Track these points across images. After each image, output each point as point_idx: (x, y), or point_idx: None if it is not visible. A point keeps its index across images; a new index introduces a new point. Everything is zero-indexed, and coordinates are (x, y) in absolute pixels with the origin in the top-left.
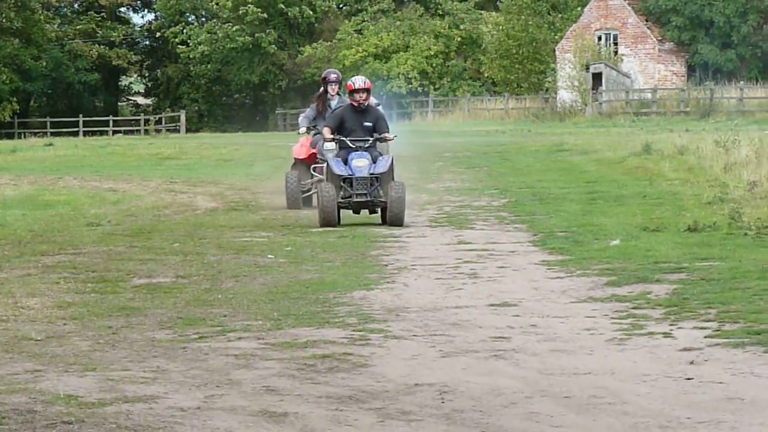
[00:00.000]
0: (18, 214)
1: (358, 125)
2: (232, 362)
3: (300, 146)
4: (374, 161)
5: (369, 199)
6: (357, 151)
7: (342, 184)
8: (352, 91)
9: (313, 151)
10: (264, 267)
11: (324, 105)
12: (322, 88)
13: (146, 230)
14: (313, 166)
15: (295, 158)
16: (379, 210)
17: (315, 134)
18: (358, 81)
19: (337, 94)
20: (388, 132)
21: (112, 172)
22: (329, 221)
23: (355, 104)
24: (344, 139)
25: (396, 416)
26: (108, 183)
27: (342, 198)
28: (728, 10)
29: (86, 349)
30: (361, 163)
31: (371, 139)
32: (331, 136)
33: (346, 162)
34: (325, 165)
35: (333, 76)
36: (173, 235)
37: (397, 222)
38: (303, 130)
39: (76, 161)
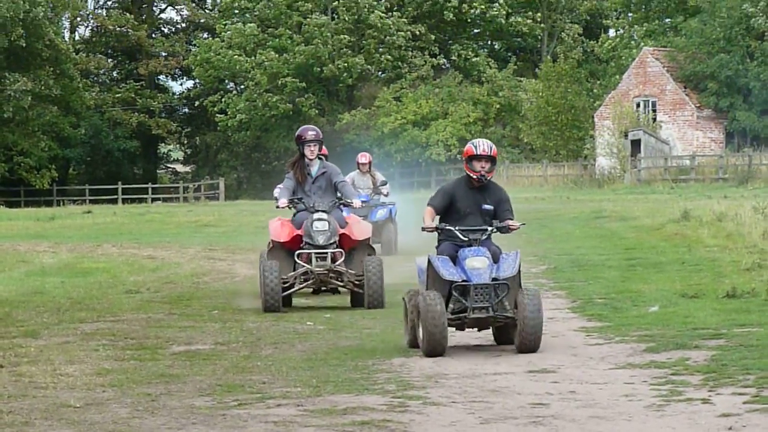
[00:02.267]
0: (57, 282)
1: (475, 208)
2: (271, 429)
3: (280, 225)
4: (495, 260)
5: (491, 314)
6: (471, 246)
7: (453, 293)
8: (472, 158)
9: (299, 232)
10: (303, 334)
11: (302, 173)
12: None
13: (185, 297)
14: (298, 252)
15: (273, 241)
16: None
17: (299, 211)
18: (482, 145)
19: (318, 157)
20: (513, 217)
21: (150, 240)
22: (439, 348)
23: (474, 177)
24: (452, 228)
25: None
26: (147, 250)
27: (453, 313)
28: (764, 76)
29: (125, 416)
30: (479, 264)
31: (490, 229)
32: (433, 225)
33: (454, 261)
34: (423, 262)
35: (311, 134)
36: (212, 302)
37: (532, 347)
38: (283, 203)
39: (114, 228)
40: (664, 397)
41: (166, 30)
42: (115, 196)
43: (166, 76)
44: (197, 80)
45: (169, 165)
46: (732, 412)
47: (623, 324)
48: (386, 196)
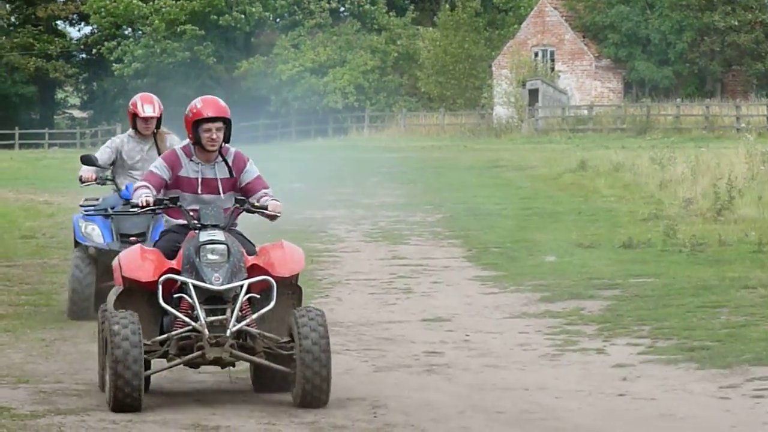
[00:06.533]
0: None
1: None
2: (164, 375)
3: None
4: None
5: None
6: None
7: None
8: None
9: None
10: None
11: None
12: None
13: None
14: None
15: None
16: None
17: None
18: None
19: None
20: None
21: (47, 185)
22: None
23: None
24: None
25: (328, 430)
26: (43, 196)
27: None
28: (664, 27)
29: (19, 361)
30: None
31: None
32: None
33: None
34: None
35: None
36: None
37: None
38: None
39: (11, 174)
40: (559, 347)
41: None
42: (12, 141)
43: (64, 21)
44: (95, 26)
45: (66, 111)
46: (626, 362)
47: (519, 273)
48: None
